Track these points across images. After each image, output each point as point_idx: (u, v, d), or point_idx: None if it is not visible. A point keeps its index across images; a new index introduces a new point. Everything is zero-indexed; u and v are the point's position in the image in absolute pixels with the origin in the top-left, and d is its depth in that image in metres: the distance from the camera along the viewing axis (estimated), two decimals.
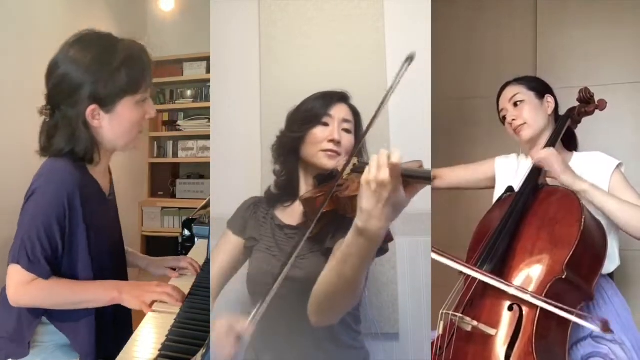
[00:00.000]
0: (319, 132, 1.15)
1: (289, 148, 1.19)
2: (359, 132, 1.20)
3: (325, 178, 1.10)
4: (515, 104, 1.38)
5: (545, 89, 1.41)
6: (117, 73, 1.10)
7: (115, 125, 1.14)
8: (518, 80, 1.43)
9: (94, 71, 1.09)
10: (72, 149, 1.14)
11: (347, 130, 1.17)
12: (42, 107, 1.16)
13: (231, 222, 1.24)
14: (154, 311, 1.17)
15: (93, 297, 1.16)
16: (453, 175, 1.58)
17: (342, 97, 1.20)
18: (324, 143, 1.14)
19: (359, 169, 1.00)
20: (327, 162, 1.13)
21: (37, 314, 1.17)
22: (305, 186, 1.19)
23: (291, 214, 1.19)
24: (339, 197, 0.98)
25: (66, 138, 1.13)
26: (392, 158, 0.80)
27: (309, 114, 1.17)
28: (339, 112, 1.17)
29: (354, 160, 1.03)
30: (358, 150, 1.16)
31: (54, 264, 1.13)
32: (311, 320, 1.00)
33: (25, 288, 1.11)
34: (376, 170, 0.81)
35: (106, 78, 1.09)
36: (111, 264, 1.27)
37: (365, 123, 1.17)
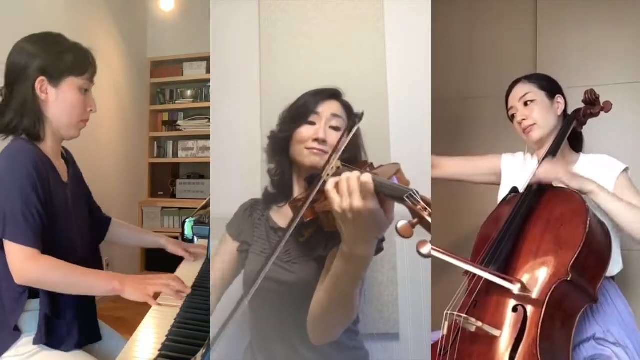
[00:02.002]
0: (304, 130, 1.14)
1: (279, 147, 1.19)
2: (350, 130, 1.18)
3: (315, 179, 1.09)
4: (526, 104, 1.36)
5: (555, 89, 1.39)
6: (64, 54, 1.24)
7: (60, 102, 1.23)
8: (529, 79, 1.40)
9: (44, 50, 1.23)
10: (20, 121, 1.21)
11: (335, 128, 1.14)
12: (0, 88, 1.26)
13: (230, 226, 1.24)
14: (159, 304, 1.17)
15: (95, 283, 1.18)
16: (452, 165, 1.55)
17: (332, 94, 1.18)
18: (309, 142, 1.13)
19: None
20: (313, 160, 1.12)
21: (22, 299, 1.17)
22: (297, 188, 1.18)
23: (284, 217, 1.18)
24: (316, 211, 0.97)
25: (15, 110, 1.22)
26: (362, 183, 0.79)
27: (296, 112, 1.17)
28: (327, 109, 1.15)
29: (337, 163, 1.01)
30: (356, 150, 1.14)
31: (39, 235, 1.14)
32: (312, 340, 1.01)
33: (31, 264, 1.12)
34: (348, 199, 0.81)
35: (54, 56, 1.23)
36: (68, 254, 1.22)
37: (363, 121, 1.16)
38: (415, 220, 0.78)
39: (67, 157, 1.38)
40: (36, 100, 1.22)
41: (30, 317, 1.20)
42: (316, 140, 1.12)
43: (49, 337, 1.19)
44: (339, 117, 1.15)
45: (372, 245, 0.87)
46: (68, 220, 1.25)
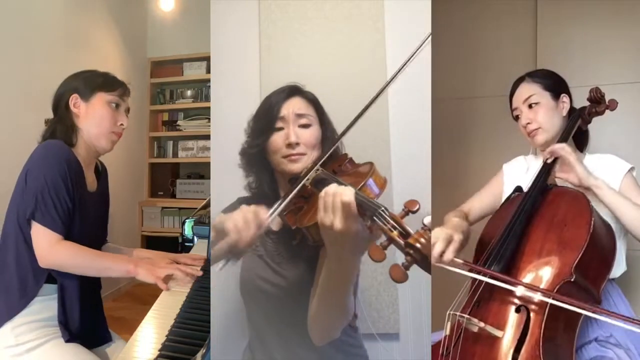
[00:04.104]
0: (276, 139, 1.10)
1: (255, 161, 1.16)
2: (323, 121, 1.15)
3: (298, 181, 1.07)
4: (530, 106, 1.33)
5: (561, 88, 1.35)
6: (95, 77, 1.40)
7: (90, 114, 1.35)
8: (533, 77, 1.36)
9: (78, 76, 1.39)
10: (54, 131, 1.33)
11: (305, 125, 1.11)
12: (48, 119, 1.39)
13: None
14: (169, 289, 1.25)
15: (112, 265, 1.26)
16: (476, 207, 1.51)
17: (291, 92, 1.14)
18: (283, 149, 1.09)
19: (320, 184, 0.97)
20: (292, 167, 1.09)
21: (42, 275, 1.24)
22: (283, 191, 1.16)
23: (276, 220, 1.17)
24: (299, 225, 0.96)
25: (52, 122, 1.36)
26: (344, 204, 0.77)
27: (261, 122, 1.13)
28: (290, 109, 1.11)
29: (317, 168, 0.99)
30: (332, 146, 1.10)
31: (67, 225, 1.23)
32: (313, 341, 1.01)
33: (55, 248, 1.19)
34: (331, 217, 0.80)
35: (86, 78, 1.38)
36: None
37: (364, 121, 1.15)
38: (386, 242, 0.73)
39: (101, 172, 1.48)
40: (69, 114, 1.35)
41: (36, 303, 1.23)
42: (289, 145, 1.09)
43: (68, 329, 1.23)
44: (305, 114, 1.12)
45: (357, 260, 0.86)
46: (82, 223, 1.30)
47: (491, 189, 1.51)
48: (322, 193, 0.83)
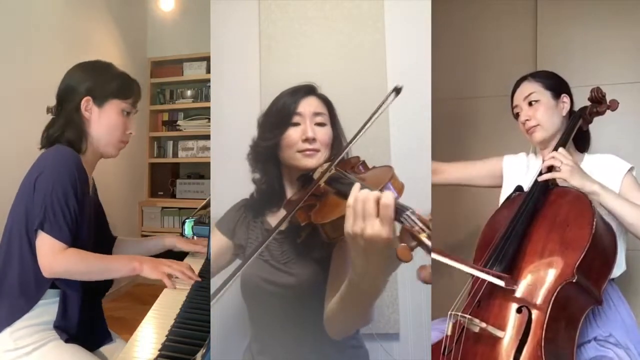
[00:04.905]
0: (292, 133, 1.11)
1: (266, 155, 1.16)
2: (334, 122, 1.16)
3: (308, 179, 1.08)
4: (530, 104, 1.35)
5: (561, 88, 1.37)
6: (111, 81, 1.34)
7: (102, 121, 1.33)
8: (535, 77, 1.39)
9: (93, 75, 1.33)
10: (63, 134, 1.30)
11: (320, 124, 1.13)
12: (51, 106, 1.36)
13: (220, 223, 1.23)
14: (173, 285, 1.28)
15: (117, 266, 1.27)
16: (453, 170, 1.54)
17: (308, 90, 1.16)
18: (299, 144, 1.10)
19: (335, 182, 0.97)
20: (307, 162, 1.10)
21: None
22: (290, 189, 1.16)
23: (280, 219, 1.17)
24: (312, 221, 0.95)
25: (61, 125, 1.31)
26: (383, 206, 0.69)
27: (278, 117, 1.13)
28: (308, 106, 1.13)
29: (332, 168, 1.00)
30: (339, 145, 1.12)
31: (74, 233, 1.22)
32: (329, 335, 1.00)
33: (59, 257, 1.17)
34: (362, 223, 0.71)
35: (102, 80, 1.33)
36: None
37: (361, 122, 1.15)
38: (414, 244, 0.71)
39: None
40: (80, 117, 1.31)
41: (36, 308, 1.22)
42: (306, 140, 1.10)
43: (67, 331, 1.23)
44: (321, 113, 1.14)
45: (383, 282, 0.79)
46: (90, 227, 1.31)
47: (483, 164, 1.53)
48: (351, 200, 0.75)
